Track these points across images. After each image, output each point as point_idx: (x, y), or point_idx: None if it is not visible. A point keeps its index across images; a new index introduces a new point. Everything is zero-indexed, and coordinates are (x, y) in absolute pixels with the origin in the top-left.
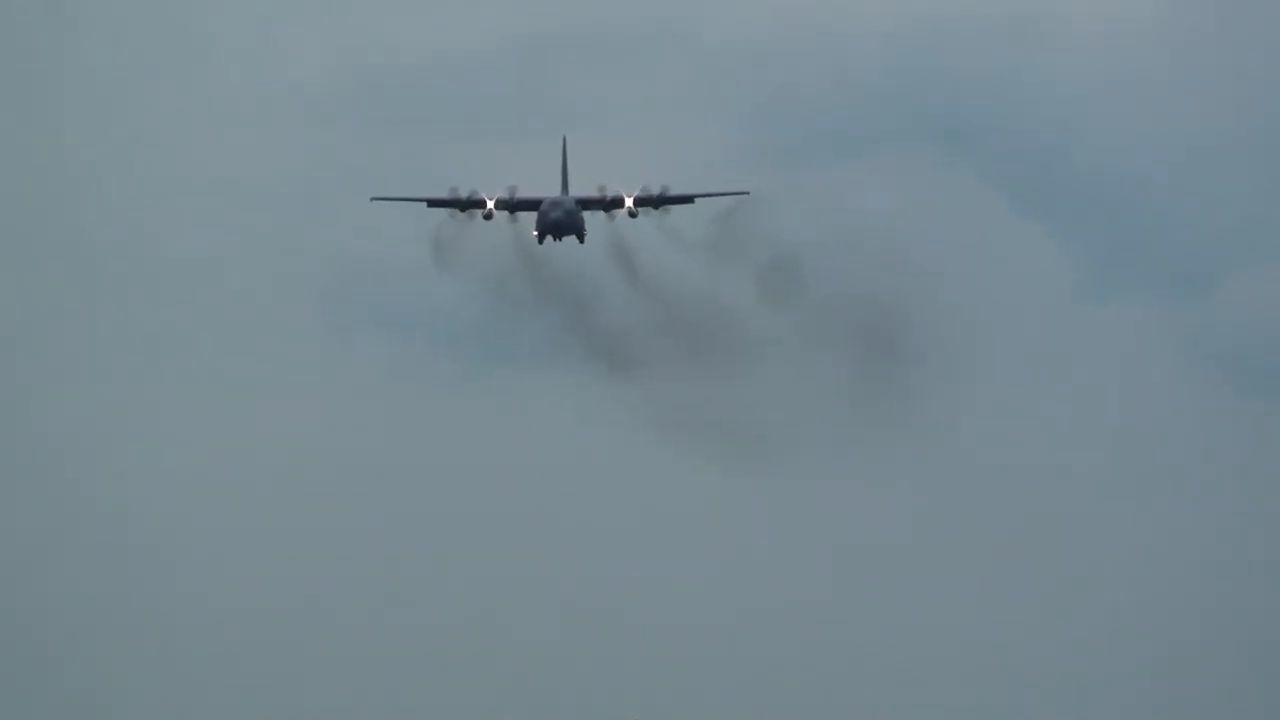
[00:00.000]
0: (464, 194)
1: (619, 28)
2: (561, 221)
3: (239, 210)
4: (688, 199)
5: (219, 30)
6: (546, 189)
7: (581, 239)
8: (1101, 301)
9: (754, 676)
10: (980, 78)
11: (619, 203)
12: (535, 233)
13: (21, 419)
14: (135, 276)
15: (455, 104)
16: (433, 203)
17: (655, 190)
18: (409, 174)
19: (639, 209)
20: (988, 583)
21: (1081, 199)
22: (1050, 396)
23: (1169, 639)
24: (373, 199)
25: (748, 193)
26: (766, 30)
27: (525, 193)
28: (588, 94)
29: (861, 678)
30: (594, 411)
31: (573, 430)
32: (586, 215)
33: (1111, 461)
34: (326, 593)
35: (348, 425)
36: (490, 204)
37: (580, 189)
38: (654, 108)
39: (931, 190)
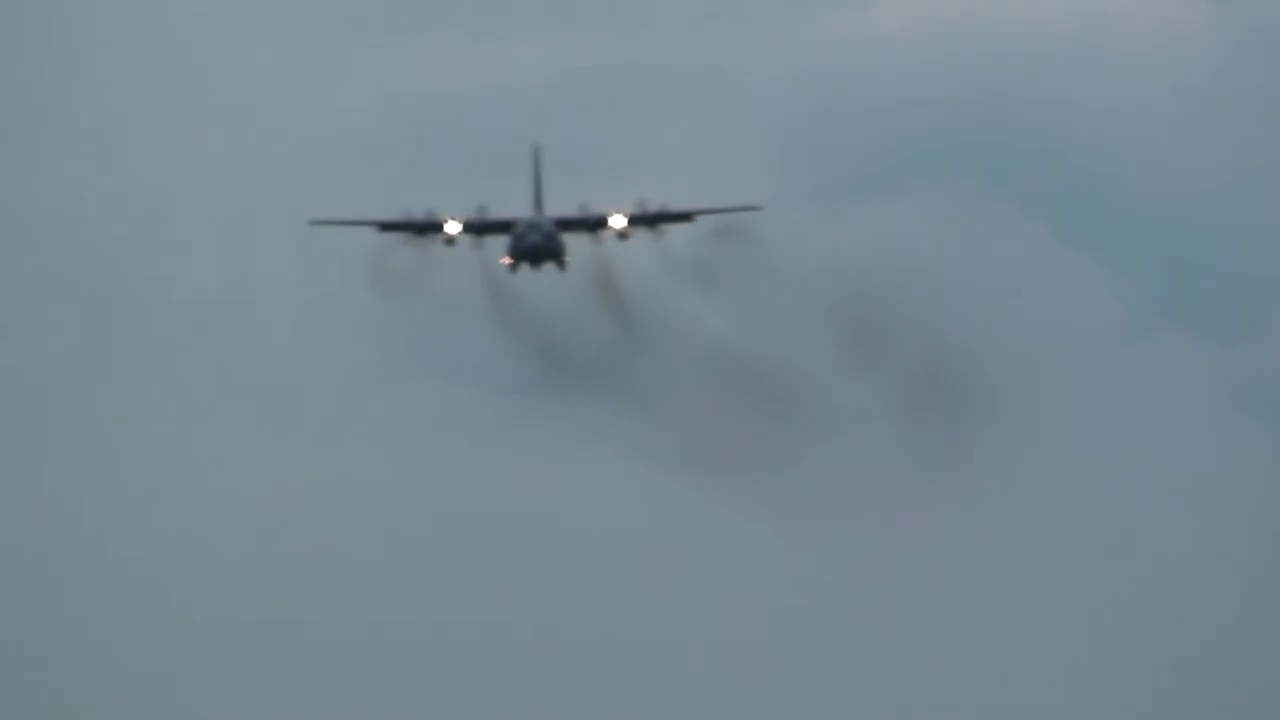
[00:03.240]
0: (419, 215)
1: (643, 67)
2: (540, 246)
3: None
4: (686, 216)
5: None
6: (517, 209)
7: (562, 265)
8: (1151, 337)
9: None
10: (1022, 109)
11: (604, 223)
12: (508, 260)
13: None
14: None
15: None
16: (384, 226)
17: (649, 208)
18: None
19: (630, 229)
20: (1063, 636)
21: (1129, 231)
22: (1111, 441)
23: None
24: (311, 222)
25: (759, 208)
26: (799, 64)
27: (494, 213)
28: (609, 133)
29: None
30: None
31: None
32: (567, 238)
33: (1185, 509)
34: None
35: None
36: (451, 226)
37: (556, 209)
38: (674, 140)
39: (970, 223)
